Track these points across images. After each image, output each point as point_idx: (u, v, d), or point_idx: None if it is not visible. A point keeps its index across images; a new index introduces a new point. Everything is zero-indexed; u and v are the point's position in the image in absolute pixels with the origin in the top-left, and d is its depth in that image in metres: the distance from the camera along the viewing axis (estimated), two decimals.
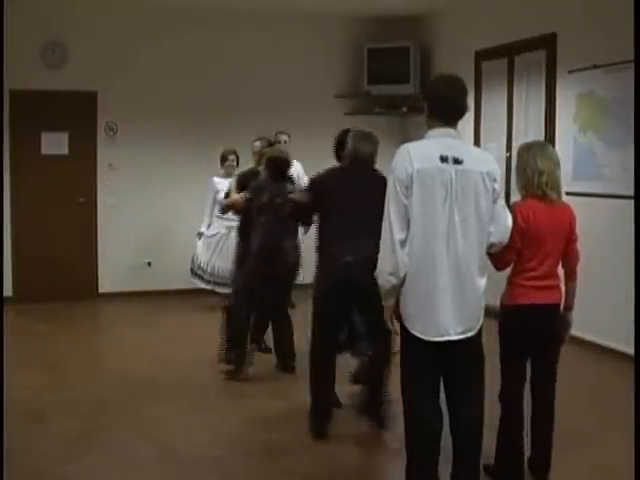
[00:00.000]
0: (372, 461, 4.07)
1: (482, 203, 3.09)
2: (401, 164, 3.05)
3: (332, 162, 9.29)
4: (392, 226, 3.05)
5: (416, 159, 3.04)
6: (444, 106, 3.17)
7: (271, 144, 6.27)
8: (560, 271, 3.67)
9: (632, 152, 5.62)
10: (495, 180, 3.13)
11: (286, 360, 5.60)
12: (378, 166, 4.34)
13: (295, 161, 8.01)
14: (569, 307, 3.72)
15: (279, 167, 5.45)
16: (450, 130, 3.15)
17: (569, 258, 3.67)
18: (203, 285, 7.74)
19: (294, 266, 5.49)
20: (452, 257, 3.05)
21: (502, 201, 3.22)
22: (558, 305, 3.64)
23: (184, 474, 3.89)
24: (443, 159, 3.05)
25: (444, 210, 3.03)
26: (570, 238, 3.65)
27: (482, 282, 3.14)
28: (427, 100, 3.21)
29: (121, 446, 4.23)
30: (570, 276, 3.73)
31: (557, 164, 3.62)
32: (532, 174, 3.56)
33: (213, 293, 7.84)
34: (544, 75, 6.81)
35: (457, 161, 3.06)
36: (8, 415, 4.02)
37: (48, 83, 7.94)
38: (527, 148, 3.67)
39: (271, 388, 5.33)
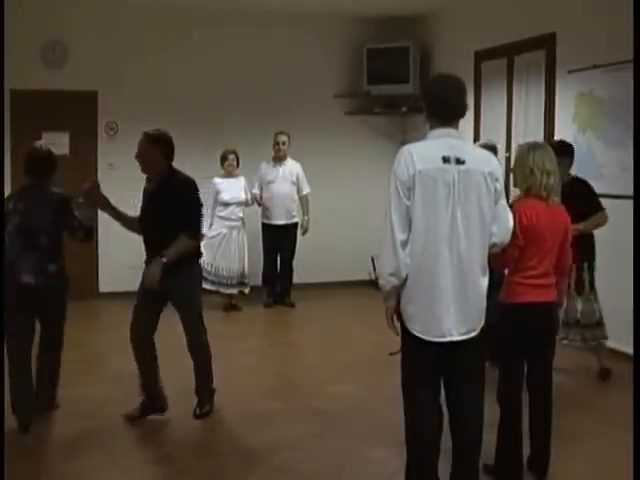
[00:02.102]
0: (372, 459, 4.07)
1: (484, 203, 3.09)
2: (403, 165, 3.04)
3: (331, 162, 9.35)
4: (393, 227, 3.04)
5: (418, 160, 3.03)
6: (441, 106, 3.17)
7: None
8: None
9: (631, 152, 5.63)
10: (497, 180, 3.13)
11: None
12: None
13: (294, 161, 8.06)
14: (560, 304, 3.78)
15: (29, 165, 4.65)
16: (452, 130, 3.15)
17: (562, 257, 3.70)
18: (207, 286, 7.74)
19: (38, 294, 4.36)
20: (454, 258, 3.05)
21: (504, 201, 3.22)
22: (554, 303, 3.67)
23: (183, 474, 3.90)
24: (445, 159, 3.04)
25: (446, 211, 3.03)
26: (565, 238, 3.68)
27: (484, 282, 3.15)
28: (425, 100, 3.21)
29: (121, 446, 4.24)
30: (562, 275, 3.77)
31: (557, 167, 3.66)
32: (540, 175, 3.58)
33: (217, 293, 7.85)
34: (544, 75, 6.82)
35: (459, 161, 3.05)
36: (8, 415, 4.03)
37: (48, 83, 7.95)
38: (532, 148, 3.68)
39: (268, 385, 5.35)
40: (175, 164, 5.23)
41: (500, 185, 3.16)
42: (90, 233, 4.74)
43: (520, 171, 3.69)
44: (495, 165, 3.18)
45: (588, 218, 4.98)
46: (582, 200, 4.91)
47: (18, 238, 4.36)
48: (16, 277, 4.29)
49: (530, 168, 3.62)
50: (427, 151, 3.08)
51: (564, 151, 5.07)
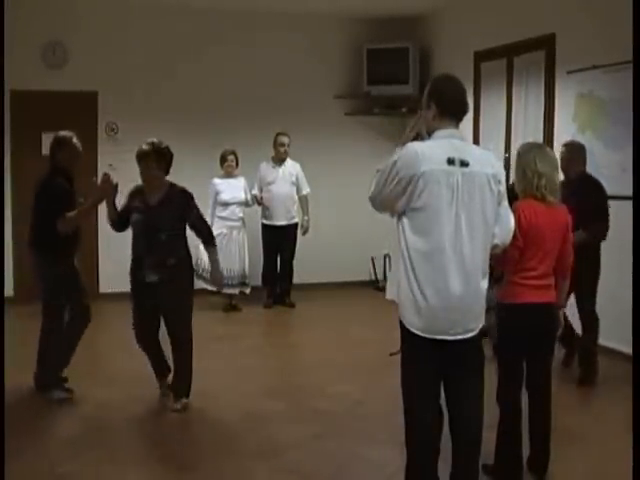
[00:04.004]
0: (372, 459, 4.08)
1: (488, 205, 3.09)
2: (407, 164, 3.03)
3: (331, 162, 9.36)
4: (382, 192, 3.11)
5: (424, 161, 3.01)
6: (455, 106, 3.16)
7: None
8: None
9: (630, 152, 5.63)
10: (500, 182, 3.14)
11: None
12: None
13: (293, 161, 8.07)
14: (561, 305, 3.78)
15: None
16: (455, 131, 3.15)
17: (563, 258, 3.71)
18: (209, 287, 7.75)
19: None
20: (458, 259, 3.04)
21: (506, 202, 3.22)
22: (553, 303, 3.68)
23: (184, 473, 3.91)
24: (450, 161, 3.03)
25: (450, 213, 3.02)
26: (566, 239, 3.69)
27: (484, 283, 3.16)
28: (436, 100, 3.16)
29: (121, 446, 4.25)
30: (563, 275, 3.78)
31: (556, 167, 3.68)
32: (532, 176, 3.60)
33: (218, 293, 7.86)
34: (543, 76, 6.83)
35: (463, 163, 3.04)
36: (8, 415, 4.04)
37: (48, 83, 7.96)
38: (527, 150, 3.71)
39: (269, 385, 5.36)
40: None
41: (503, 187, 3.16)
42: None
43: (516, 173, 3.72)
44: (498, 167, 3.19)
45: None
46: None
47: None
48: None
49: (523, 169, 3.65)
50: (432, 152, 3.06)
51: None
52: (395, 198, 3.07)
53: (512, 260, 3.55)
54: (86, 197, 5.09)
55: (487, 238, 3.13)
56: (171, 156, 4.84)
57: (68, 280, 5.01)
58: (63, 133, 5.24)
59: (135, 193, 4.86)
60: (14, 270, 7.98)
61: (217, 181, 7.74)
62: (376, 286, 8.94)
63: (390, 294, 3.25)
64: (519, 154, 3.74)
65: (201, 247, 7.64)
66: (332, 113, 8.90)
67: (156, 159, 4.71)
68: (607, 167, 6.03)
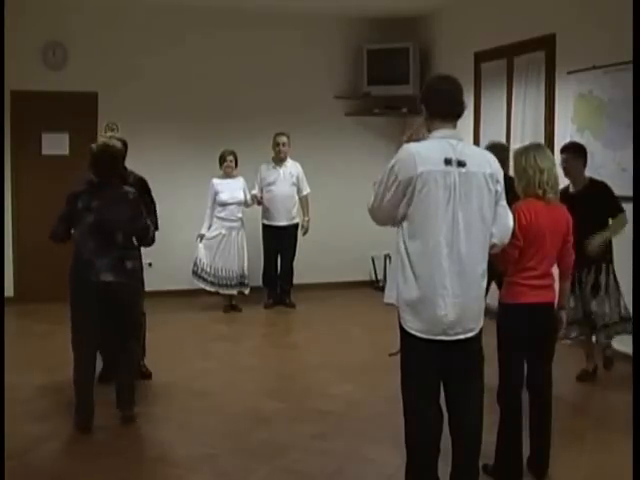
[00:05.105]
0: (372, 459, 4.08)
1: (485, 205, 3.10)
2: (405, 166, 3.04)
3: (331, 162, 9.36)
4: (383, 206, 3.13)
5: (420, 161, 3.02)
6: (451, 106, 3.17)
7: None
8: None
9: (630, 153, 5.63)
10: (498, 181, 3.14)
11: None
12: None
13: (294, 162, 8.07)
14: (563, 306, 3.79)
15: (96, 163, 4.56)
16: (453, 131, 3.16)
17: (564, 258, 3.72)
18: (207, 287, 7.75)
19: None
20: (455, 259, 3.05)
21: (504, 202, 3.22)
22: (553, 304, 3.68)
23: (183, 474, 3.91)
24: (447, 162, 3.04)
25: (447, 213, 3.03)
26: (566, 239, 3.69)
27: (484, 284, 3.17)
28: (429, 101, 3.18)
29: (121, 446, 4.25)
30: (564, 276, 3.78)
31: (554, 164, 3.69)
32: (533, 173, 3.60)
33: (217, 294, 7.86)
34: (543, 76, 6.82)
35: (461, 164, 3.05)
36: (8, 415, 4.04)
37: (48, 84, 7.96)
38: (524, 151, 3.71)
39: (269, 385, 5.36)
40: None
41: (501, 187, 3.17)
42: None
43: (515, 173, 3.73)
44: (496, 167, 3.19)
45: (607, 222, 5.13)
46: (602, 202, 5.08)
47: (94, 237, 4.42)
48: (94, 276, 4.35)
49: (523, 167, 3.65)
50: (429, 152, 3.07)
51: (575, 151, 5.23)
52: (396, 203, 3.07)
53: (512, 260, 3.55)
54: None
55: (485, 238, 3.13)
56: (102, 157, 4.52)
57: None
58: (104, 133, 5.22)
59: None
60: (14, 270, 7.98)
61: (216, 181, 7.74)
62: (376, 286, 8.94)
63: (389, 297, 3.25)
64: (516, 157, 3.73)
65: (201, 247, 7.70)
66: (332, 113, 8.90)
67: (89, 159, 4.60)
68: (605, 167, 6.02)
